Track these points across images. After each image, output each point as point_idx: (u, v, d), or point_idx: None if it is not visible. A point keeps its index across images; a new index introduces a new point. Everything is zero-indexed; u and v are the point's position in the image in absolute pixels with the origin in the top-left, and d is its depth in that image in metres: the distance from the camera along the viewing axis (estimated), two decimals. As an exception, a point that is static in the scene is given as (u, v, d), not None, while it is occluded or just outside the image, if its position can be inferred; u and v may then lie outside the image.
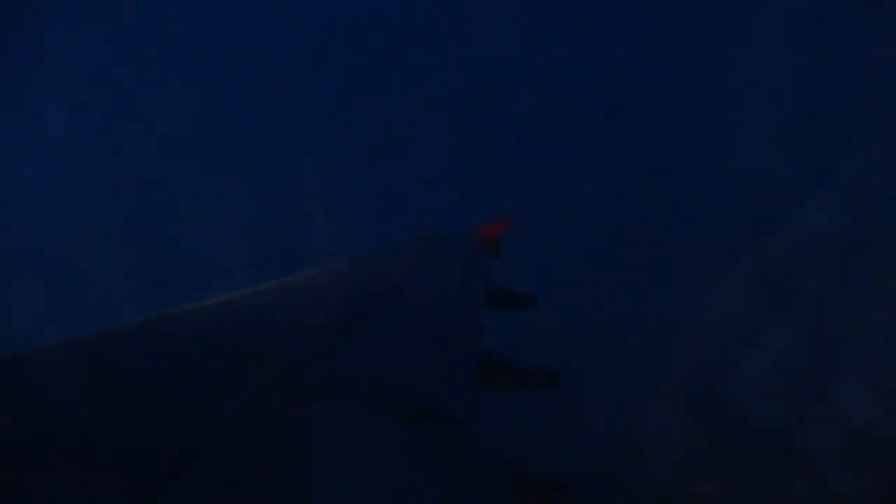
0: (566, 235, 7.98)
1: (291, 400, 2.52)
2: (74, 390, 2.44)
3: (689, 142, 12.55)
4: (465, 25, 15.50)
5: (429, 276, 4.82)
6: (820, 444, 4.68)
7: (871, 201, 7.16)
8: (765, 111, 11.55)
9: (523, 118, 13.10)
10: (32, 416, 2.28)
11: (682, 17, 13.78)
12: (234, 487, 2.04)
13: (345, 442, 2.45)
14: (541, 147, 12.32)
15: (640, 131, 12.59)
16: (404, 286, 4.33)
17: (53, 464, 2.02)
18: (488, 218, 5.54)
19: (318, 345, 3.06)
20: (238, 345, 3.01)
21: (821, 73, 10.98)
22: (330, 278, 4.26)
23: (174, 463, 2.03)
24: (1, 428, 2.18)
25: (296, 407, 2.48)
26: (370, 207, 13.16)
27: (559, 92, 13.51)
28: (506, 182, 11.69)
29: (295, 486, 2.12)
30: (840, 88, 11.27)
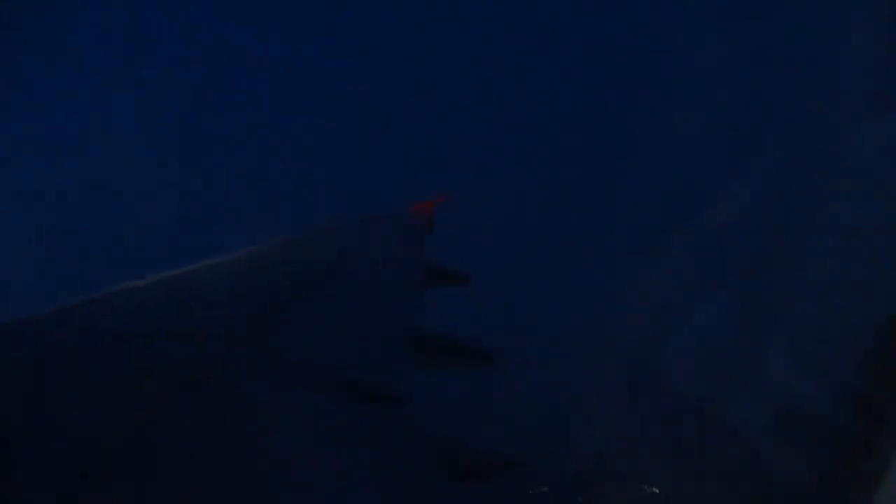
0: (499, 214, 8.03)
1: (224, 379, 2.47)
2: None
3: (619, 121, 12.72)
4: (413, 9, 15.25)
5: (364, 253, 4.80)
6: (749, 418, 4.89)
7: (798, 179, 7.43)
8: (691, 91, 11.76)
9: (460, 101, 13.09)
10: None
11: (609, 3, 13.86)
12: (165, 469, 2.00)
13: (277, 420, 2.41)
14: (474, 128, 12.32)
15: (574, 112, 12.69)
16: (339, 264, 4.31)
17: None
18: (423, 196, 5.55)
19: (252, 322, 3.03)
20: (170, 324, 2.95)
21: (745, 57, 11.24)
22: (266, 256, 4.20)
23: (102, 449, 1.98)
24: None
25: (228, 386, 2.43)
26: (308, 188, 12.99)
27: (492, 75, 13.49)
28: (440, 162, 11.71)
29: (227, 466, 2.09)
30: (765, 69, 11.55)
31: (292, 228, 4.98)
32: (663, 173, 9.22)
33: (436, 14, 14.64)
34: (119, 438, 2.02)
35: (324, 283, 3.95)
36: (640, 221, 8.29)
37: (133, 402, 2.22)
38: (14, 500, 1.79)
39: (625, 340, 7.11)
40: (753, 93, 10.18)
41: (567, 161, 12.18)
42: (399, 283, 4.61)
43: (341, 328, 3.55)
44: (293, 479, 2.17)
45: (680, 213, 8.49)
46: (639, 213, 8.51)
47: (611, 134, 12.11)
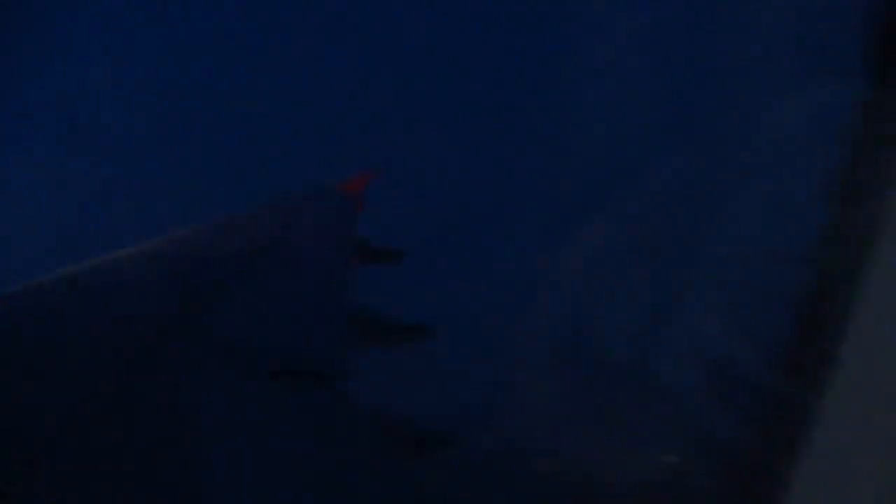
0: (430, 188, 7.84)
1: (158, 366, 2.47)
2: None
3: (543, 88, 12.53)
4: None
5: (294, 232, 4.74)
6: (681, 382, 4.98)
7: (721, 149, 7.46)
8: (610, 66, 11.63)
9: (382, 75, 12.77)
10: None
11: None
12: (107, 461, 2.00)
13: (214, 405, 2.43)
14: (403, 101, 12.03)
15: (507, 79, 12.49)
16: (269, 243, 4.25)
17: None
18: (351, 173, 5.46)
19: (183, 304, 2.99)
20: (99, 313, 2.88)
21: (662, 29, 11.12)
22: (194, 239, 4.11)
23: (28, 445, 1.95)
24: None
25: (163, 373, 2.44)
26: (236, 165, 12.50)
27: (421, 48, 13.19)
28: (366, 138, 11.40)
29: (168, 454, 2.09)
30: (682, 42, 11.44)
31: (214, 210, 4.89)
32: (588, 145, 9.16)
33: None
34: (48, 432, 2.01)
35: (254, 263, 3.91)
36: (567, 194, 8.26)
37: (62, 391, 2.22)
38: None
39: (556, 313, 7.09)
40: (670, 67, 10.22)
41: (498, 136, 12.09)
42: (331, 261, 4.58)
43: (274, 307, 3.52)
44: (229, 462, 2.18)
45: (605, 186, 8.41)
46: (565, 187, 8.46)
47: (535, 103, 12.04)
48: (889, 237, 2.18)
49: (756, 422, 3.08)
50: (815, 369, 2.29)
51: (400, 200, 4.88)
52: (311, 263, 4.40)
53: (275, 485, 2.19)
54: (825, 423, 2.20)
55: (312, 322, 3.54)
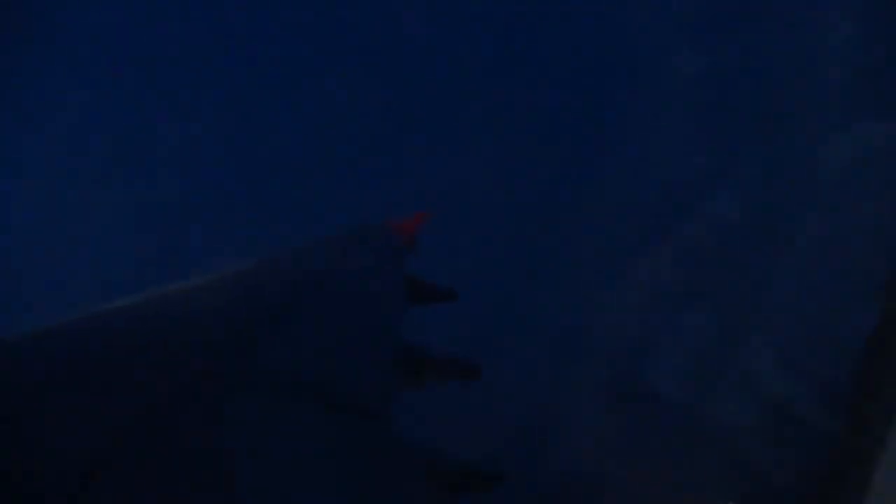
0: (480, 229, 7.10)
1: (207, 396, 2.43)
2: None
3: (596, 134, 11.70)
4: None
5: (346, 269, 4.56)
6: (735, 421, 5.11)
7: (771, 191, 7.50)
8: (668, 103, 11.11)
9: (436, 113, 11.03)
10: None
11: (581, 9, 12.47)
12: (155, 485, 1.98)
13: (259, 437, 2.41)
14: (449, 142, 10.59)
15: (548, 123, 11.46)
16: (321, 280, 4.15)
17: None
18: (405, 213, 5.03)
19: (233, 338, 3.05)
20: (151, 343, 2.87)
21: (722, 67, 10.81)
22: (247, 274, 3.91)
23: (88, 468, 1.90)
24: None
25: (212, 402, 2.41)
26: (281, 205, 10.29)
27: (464, 81, 11.54)
28: (419, 178, 9.94)
29: (216, 482, 2.09)
30: (742, 81, 11.14)
31: (275, 244, 4.38)
32: (648, 183, 8.86)
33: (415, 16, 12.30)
34: (98, 459, 1.95)
35: (305, 300, 3.86)
36: (617, 233, 7.94)
37: (111, 420, 2.14)
38: None
39: (607, 350, 6.88)
40: (725, 102, 10.08)
41: (549, 174, 11.27)
42: (382, 298, 4.53)
43: (324, 344, 3.56)
44: (272, 496, 2.16)
45: (656, 222, 8.25)
46: (616, 225, 8.14)
47: (589, 148, 11.38)
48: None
49: (813, 466, 3.51)
50: (876, 417, 2.89)
51: (454, 240, 4.69)
52: (362, 301, 4.32)
53: None
54: (886, 472, 2.77)
55: (361, 358, 3.63)
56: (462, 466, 3.19)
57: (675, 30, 12.93)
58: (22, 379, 2.32)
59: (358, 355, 3.62)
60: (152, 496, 1.90)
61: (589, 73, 15.00)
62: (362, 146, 14.13)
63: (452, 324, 4.68)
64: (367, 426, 2.74)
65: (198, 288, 3.73)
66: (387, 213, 5.35)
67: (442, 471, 2.93)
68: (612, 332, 8.69)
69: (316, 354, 3.29)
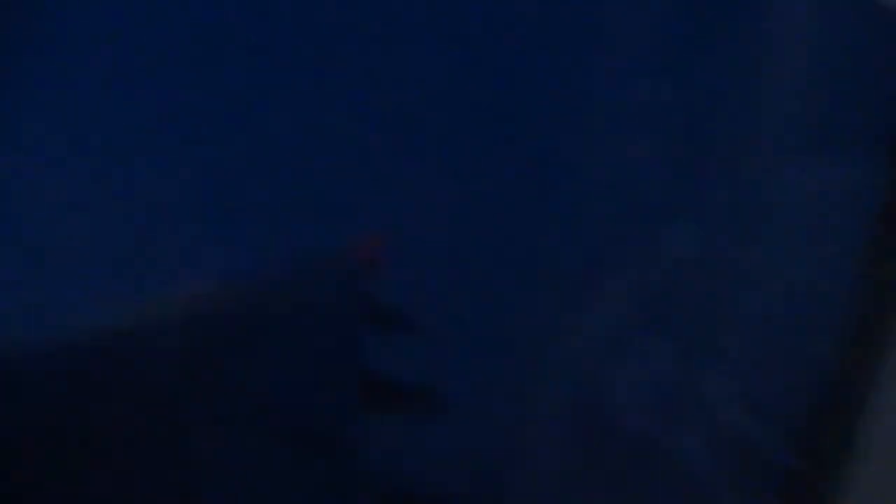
0: (440, 251, 6.76)
1: (170, 426, 2.69)
2: None
3: (564, 152, 10.97)
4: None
5: (304, 293, 4.55)
6: (694, 458, 4.96)
7: (737, 222, 7.28)
8: (640, 127, 10.37)
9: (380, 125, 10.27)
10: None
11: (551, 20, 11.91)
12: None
13: (219, 462, 2.68)
14: (405, 158, 9.86)
15: (511, 140, 10.72)
16: (278, 304, 4.20)
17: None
18: (363, 234, 4.84)
19: (191, 364, 3.17)
20: (109, 378, 3.00)
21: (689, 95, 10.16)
22: (200, 298, 4.00)
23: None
24: None
25: (174, 433, 2.67)
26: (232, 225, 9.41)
27: (412, 95, 10.75)
28: (374, 197, 9.19)
29: None
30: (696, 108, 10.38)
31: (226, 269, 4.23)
32: (613, 211, 8.36)
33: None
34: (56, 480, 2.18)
35: (263, 323, 3.98)
36: (590, 259, 7.59)
37: (69, 446, 2.36)
38: None
39: (571, 382, 6.61)
40: (684, 132, 9.56)
41: (515, 199, 10.48)
42: (341, 323, 4.55)
43: (283, 368, 3.67)
44: None
45: (628, 252, 7.89)
46: (589, 251, 7.77)
47: (559, 166, 10.69)
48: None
49: (773, 500, 3.47)
50: (836, 454, 2.49)
51: (413, 263, 4.49)
52: (322, 325, 4.33)
53: None
54: None
55: (322, 385, 3.71)
56: (421, 493, 3.30)
57: (634, 59, 12.65)
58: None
59: (318, 381, 3.69)
60: None
61: (543, 104, 14.66)
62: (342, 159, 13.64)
63: (412, 350, 4.60)
64: (327, 452, 3.04)
65: (155, 311, 3.76)
66: (345, 233, 5.22)
67: (402, 497, 3.18)
68: (569, 365, 8.44)
69: (275, 380, 3.44)
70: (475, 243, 4.20)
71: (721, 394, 3.82)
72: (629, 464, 4.01)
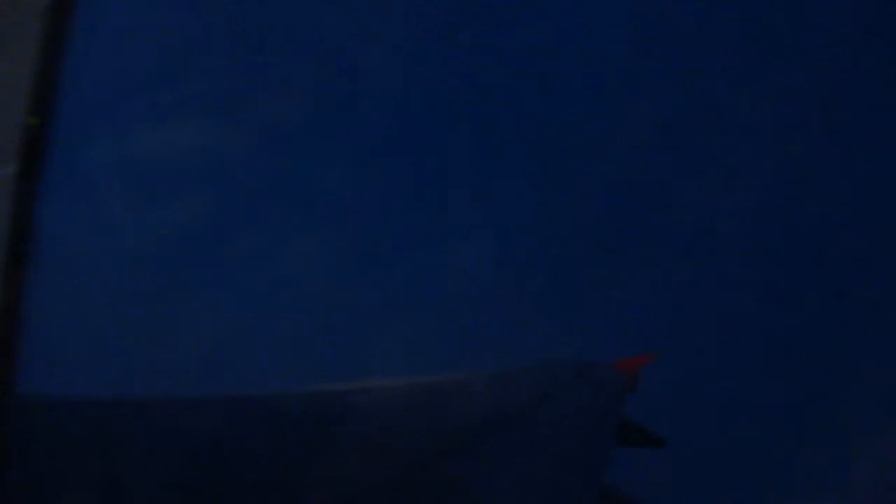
0: (706, 377, 7.27)
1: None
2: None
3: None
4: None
5: (557, 400, 4.64)
6: None
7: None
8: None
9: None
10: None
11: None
12: None
13: None
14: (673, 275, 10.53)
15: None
16: (528, 408, 4.20)
17: None
18: (628, 352, 5.17)
19: (424, 456, 3.01)
20: (336, 442, 2.87)
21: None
22: (453, 388, 4.06)
23: None
24: None
25: None
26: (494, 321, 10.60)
27: None
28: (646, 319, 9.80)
29: None
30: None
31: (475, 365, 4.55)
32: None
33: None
34: None
35: (509, 425, 3.88)
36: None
37: None
38: None
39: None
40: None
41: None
42: (591, 437, 4.54)
43: (522, 473, 3.54)
44: None
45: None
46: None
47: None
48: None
49: None
50: None
51: (672, 385, 4.69)
52: (569, 436, 4.33)
53: None
54: None
55: (561, 496, 3.57)
56: None
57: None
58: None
59: (557, 493, 3.68)
60: None
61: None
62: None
63: (658, 472, 4.56)
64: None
65: (394, 391, 3.93)
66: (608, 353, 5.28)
67: None
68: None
69: (512, 484, 3.46)
70: (736, 373, 4.17)
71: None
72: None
